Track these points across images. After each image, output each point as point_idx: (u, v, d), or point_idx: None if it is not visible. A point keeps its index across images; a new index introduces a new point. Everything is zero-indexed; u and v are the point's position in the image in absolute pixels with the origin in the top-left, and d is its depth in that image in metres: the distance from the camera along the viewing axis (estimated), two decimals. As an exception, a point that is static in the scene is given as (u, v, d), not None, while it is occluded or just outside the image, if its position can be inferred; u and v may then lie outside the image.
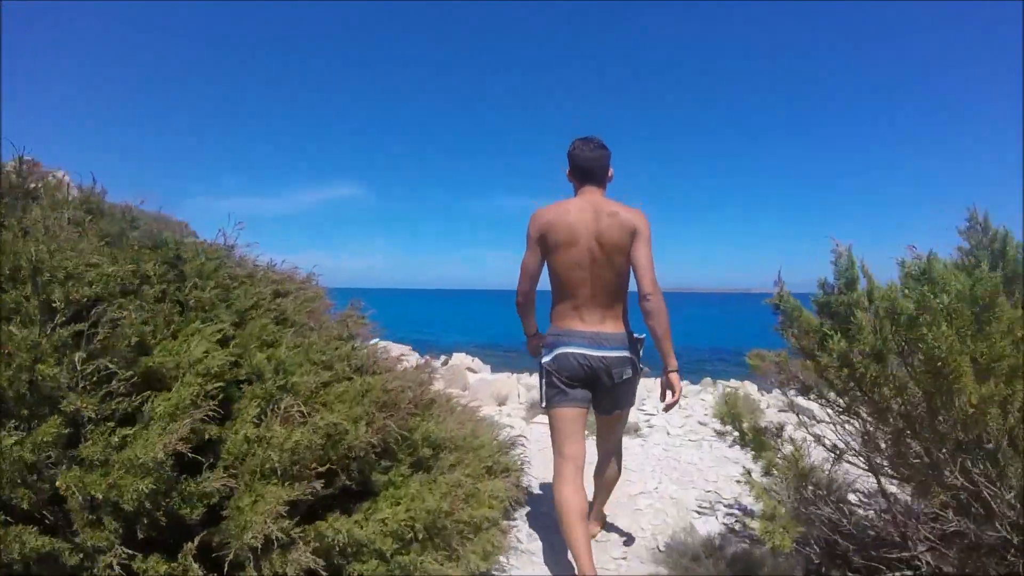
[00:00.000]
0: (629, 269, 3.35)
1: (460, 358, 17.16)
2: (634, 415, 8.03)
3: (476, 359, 18.72)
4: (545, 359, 3.41)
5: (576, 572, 3.19)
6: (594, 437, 4.00)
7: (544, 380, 3.45)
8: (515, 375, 14.96)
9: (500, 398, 9.40)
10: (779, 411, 8.82)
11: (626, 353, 3.38)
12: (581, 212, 3.32)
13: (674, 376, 3.35)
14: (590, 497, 3.70)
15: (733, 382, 14.82)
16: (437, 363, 9.87)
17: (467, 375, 10.15)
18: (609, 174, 3.48)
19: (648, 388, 10.31)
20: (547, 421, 3.58)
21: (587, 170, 3.43)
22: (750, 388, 13.66)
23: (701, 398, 10.64)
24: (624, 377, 3.38)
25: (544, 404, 3.48)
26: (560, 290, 3.43)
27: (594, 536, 3.90)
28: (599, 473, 3.81)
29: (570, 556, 3.32)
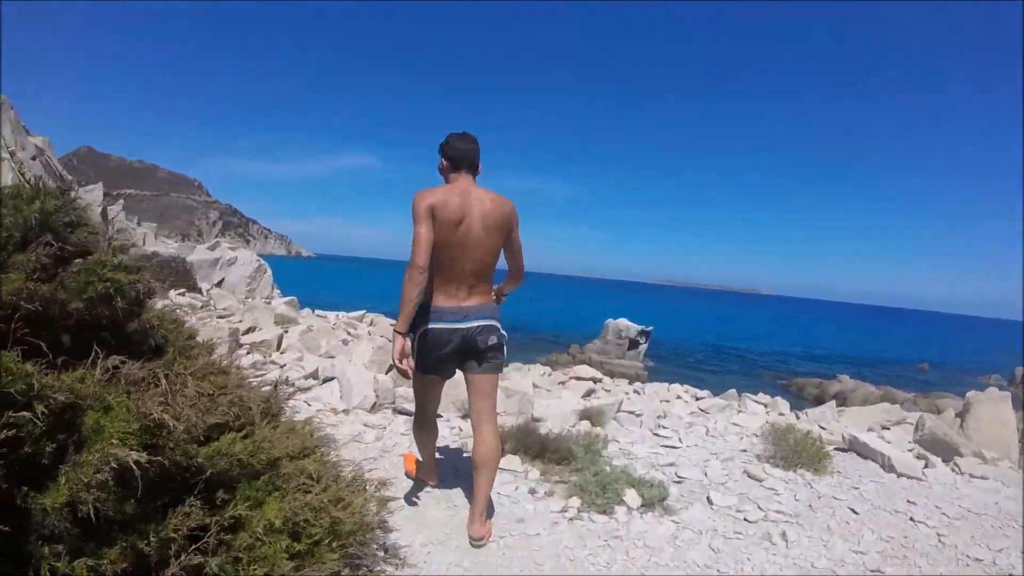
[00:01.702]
0: (499, 251, 3.84)
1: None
2: (651, 456, 6.13)
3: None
4: (420, 330, 3.73)
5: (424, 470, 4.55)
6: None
7: (416, 348, 3.73)
8: (509, 370, 13.25)
9: (466, 408, 7.29)
10: (837, 449, 7.10)
11: (492, 322, 3.85)
12: (464, 195, 3.67)
13: (501, 298, 4.15)
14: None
15: (762, 396, 13.13)
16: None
17: None
18: (479, 166, 3.82)
19: (665, 409, 8.67)
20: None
21: (462, 160, 3.78)
22: (782, 405, 12.03)
23: (734, 422, 8.96)
24: (490, 343, 3.83)
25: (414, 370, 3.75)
26: (437, 266, 3.63)
27: (484, 538, 3.93)
28: (477, 449, 3.94)
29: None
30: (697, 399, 12.84)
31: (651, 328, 35.00)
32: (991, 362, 56.09)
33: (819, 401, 29.22)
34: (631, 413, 8.50)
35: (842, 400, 28.98)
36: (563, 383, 12.71)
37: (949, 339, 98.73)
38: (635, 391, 12.52)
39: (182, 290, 15.70)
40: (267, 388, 3.77)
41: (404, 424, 6.49)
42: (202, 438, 2.63)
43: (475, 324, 3.78)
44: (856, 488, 6.03)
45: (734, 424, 9.32)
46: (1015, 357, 51.65)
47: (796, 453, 6.65)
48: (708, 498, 5.23)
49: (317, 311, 19.99)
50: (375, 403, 7.19)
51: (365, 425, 6.37)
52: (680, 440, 7.47)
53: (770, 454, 6.82)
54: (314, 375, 8.15)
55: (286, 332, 12.35)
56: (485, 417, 4.01)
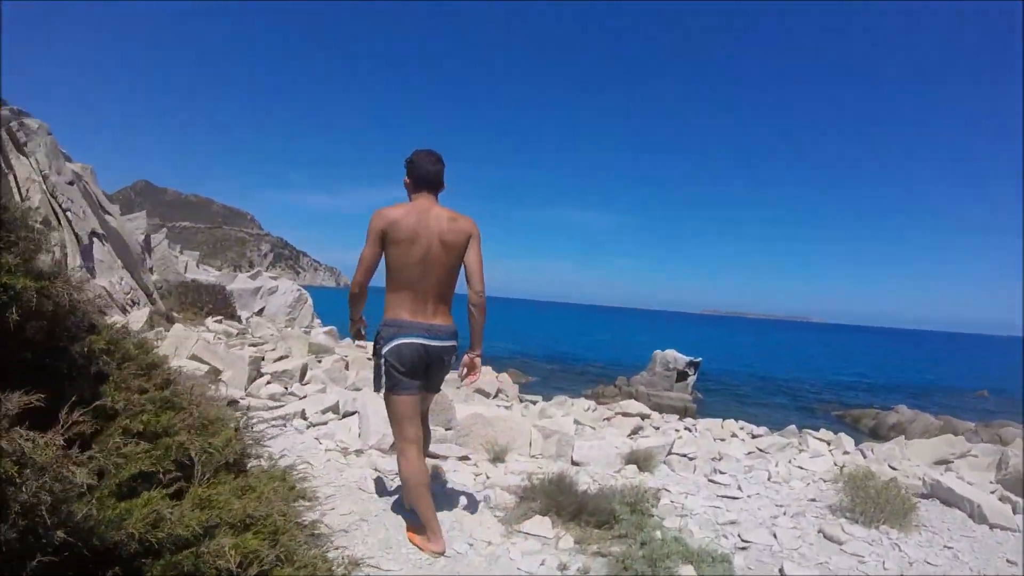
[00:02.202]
0: (459, 268, 3.88)
1: (483, 374, 14.74)
2: (709, 511, 5.28)
3: (504, 375, 16.54)
4: (385, 349, 3.75)
5: (428, 538, 3.86)
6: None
7: (384, 369, 3.76)
8: (541, 405, 12.36)
9: (497, 450, 6.40)
10: (916, 495, 6.12)
11: (454, 343, 3.96)
12: (423, 214, 3.73)
13: (477, 359, 4.07)
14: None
15: (824, 432, 12.07)
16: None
17: (454, 409, 7.39)
18: (442, 186, 3.91)
19: (720, 450, 7.74)
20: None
21: (427, 179, 3.83)
22: (847, 443, 10.98)
23: (799, 465, 8.04)
24: (452, 364, 4.00)
25: (383, 391, 3.83)
26: (397, 284, 3.75)
27: (438, 554, 3.85)
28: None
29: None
30: (754, 436, 11.88)
31: (700, 359, 33.92)
32: None
33: (875, 433, 27.92)
34: (683, 456, 7.57)
35: (900, 431, 27.66)
36: (608, 419, 11.87)
37: (1008, 363, 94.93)
38: (686, 428, 11.61)
39: (219, 317, 15.26)
40: (240, 424, 3.27)
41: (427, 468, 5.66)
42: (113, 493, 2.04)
43: (445, 344, 3.86)
44: (949, 548, 5.11)
45: (799, 467, 8.36)
46: None
47: (878, 506, 5.70)
48: (782, 571, 4.28)
49: (358, 342, 19.60)
50: (393, 443, 6.42)
51: (376, 469, 5.53)
52: (740, 488, 6.52)
53: (846, 506, 5.89)
54: (334, 409, 7.40)
55: (319, 362, 11.95)
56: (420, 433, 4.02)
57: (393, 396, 3.84)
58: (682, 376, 32.69)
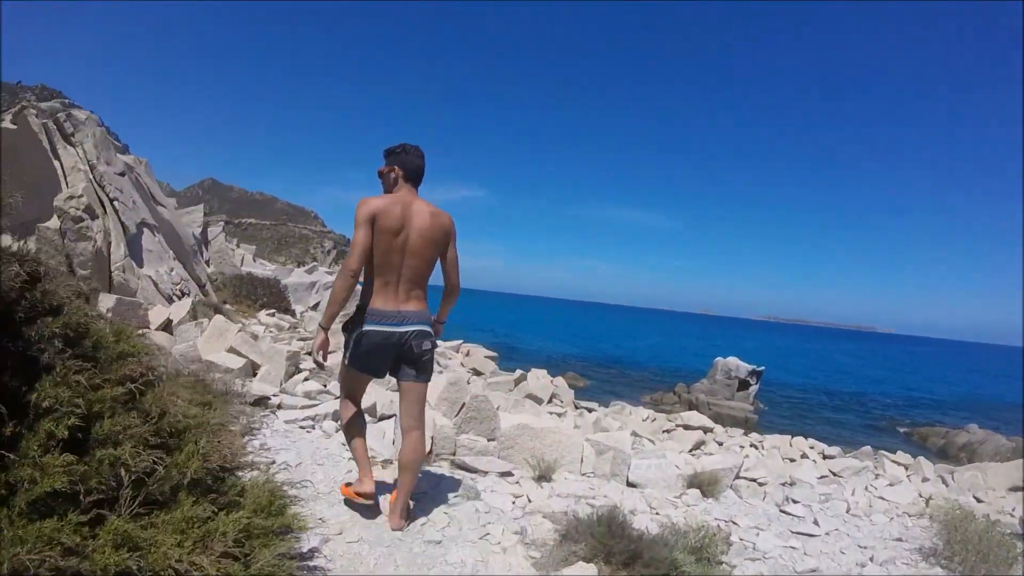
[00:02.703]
0: (435, 262, 3.97)
1: (536, 378, 13.94)
2: (784, 555, 4.48)
3: (560, 379, 15.86)
4: (355, 333, 3.82)
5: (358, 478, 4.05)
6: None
7: (351, 345, 3.86)
8: (597, 414, 11.58)
9: (544, 467, 5.59)
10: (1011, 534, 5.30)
11: (426, 328, 3.91)
12: (407, 206, 3.81)
13: (439, 326, 4.16)
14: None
15: (901, 455, 11.15)
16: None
17: (499, 418, 6.66)
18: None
19: (791, 473, 6.95)
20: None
21: (416, 173, 3.96)
22: (926, 468, 10.07)
23: (880, 495, 7.24)
24: (424, 348, 3.89)
25: (346, 361, 3.95)
26: (375, 272, 3.78)
27: (401, 529, 3.94)
28: (403, 451, 3.99)
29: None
30: (826, 457, 11.08)
31: (763, 368, 32.80)
32: None
33: (944, 453, 26.58)
34: (752, 481, 6.78)
35: (970, 453, 26.44)
36: (669, 432, 11.12)
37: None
38: (752, 445, 10.80)
39: (272, 311, 14.95)
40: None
41: (458, 487, 4.94)
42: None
43: (411, 328, 3.84)
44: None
45: (879, 498, 7.54)
46: None
47: (979, 554, 4.89)
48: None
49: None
50: (428, 452, 5.78)
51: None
52: (816, 522, 5.75)
53: (940, 551, 5.09)
54: (370, 411, 6.81)
55: None
56: (415, 424, 4.04)
57: (349, 368, 3.99)
58: (744, 385, 31.65)
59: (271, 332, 11.85)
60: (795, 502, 6.49)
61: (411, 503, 4.16)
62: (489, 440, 6.15)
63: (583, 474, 5.99)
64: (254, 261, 21.48)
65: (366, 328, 3.78)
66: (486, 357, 17.62)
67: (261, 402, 6.63)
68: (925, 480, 10.10)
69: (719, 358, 32.93)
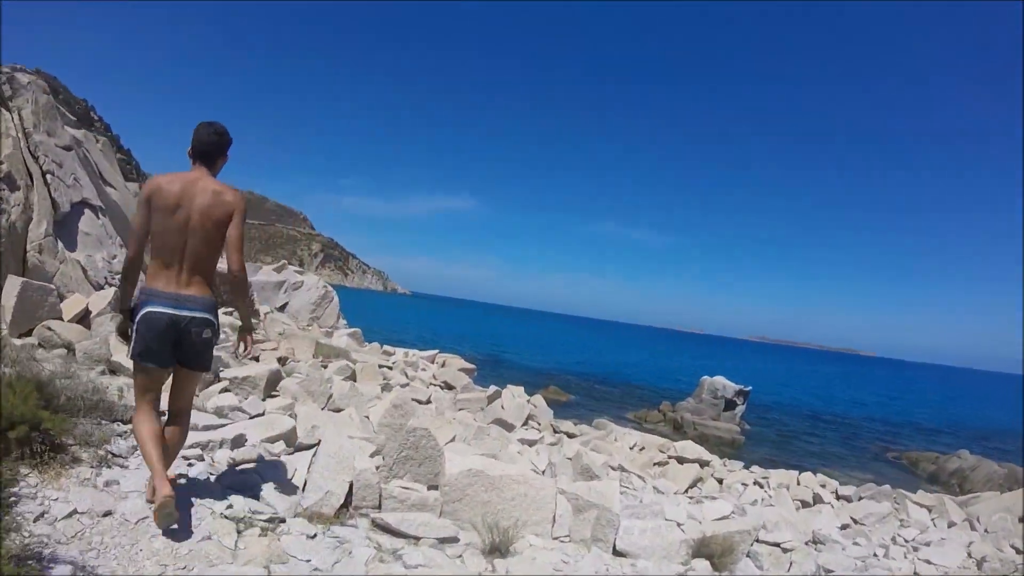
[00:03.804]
0: (222, 243, 3.60)
1: (512, 396, 12.27)
2: None
3: (538, 397, 14.25)
4: (138, 316, 3.49)
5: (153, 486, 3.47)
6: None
7: (135, 335, 3.50)
8: (579, 444, 9.97)
9: (501, 532, 3.98)
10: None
11: (207, 315, 3.58)
12: (188, 185, 3.51)
13: (247, 337, 3.89)
14: None
15: (922, 495, 9.72)
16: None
17: (443, 457, 4.79)
18: (222, 160, 3.76)
19: (811, 526, 5.40)
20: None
21: (200, 150, 3.65)
22: (952, 511, 8.65)
23: (923, 557, 5.69)
24: (204, 336, 3.58)
25: (131, 356, 3.55)
26: (155, 251, 3.54)
27: (167, 500, 3.34)
28: (168, 430, 3.71)
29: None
30: (840, 498, 9.60)
31: (749, 388, 31.58)
32: None
33: (935, 479, 25.39)
34: (775, 546, 5.17)
35: (961, 479, 25.28)
36: (661, 464, 9.54)
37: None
38: (756, 483, 9.25)
39: (230, 309, 13.37)
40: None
41: (367, 563, 3.29)
42: None
43: (190, 314, 3.51)
44: None
45: (925, 561, 6.03)
46: None
47: None
48: None
49: (386, 346, 17.78)
50: (343, 505, 4.14)
51: (279, 563, 3.25)
52: None
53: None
54: (287, 438, 5.20)
55: (324, 367, 10.15)
56: (181, 412, 3.76)
57: (137, 363, 3.56)
58: (730, 405, 30.38)
59: (224, 332, 10.37)
60: (828, 572, 4.91)
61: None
62: (430, 488, 4.50)
63: (555, 538, 4.34)
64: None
65: (144, 311, 3.46)
66: (461, 370, 16.01)
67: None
68: (951, 525, 8.79)
69: (706, 377, 31.69)
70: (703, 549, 4.51)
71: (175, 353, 3.58)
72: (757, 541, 5.16)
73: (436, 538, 3.84)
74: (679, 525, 4.83)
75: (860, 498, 9.54)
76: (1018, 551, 7.41)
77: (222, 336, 10.58)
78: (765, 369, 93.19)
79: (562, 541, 4.35)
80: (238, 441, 4.94)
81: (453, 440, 5.89)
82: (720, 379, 31.10)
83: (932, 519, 8.92)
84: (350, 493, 4.28)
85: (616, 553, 4.38)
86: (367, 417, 7.01)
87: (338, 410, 7.07)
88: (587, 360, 59.87)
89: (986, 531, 8.69)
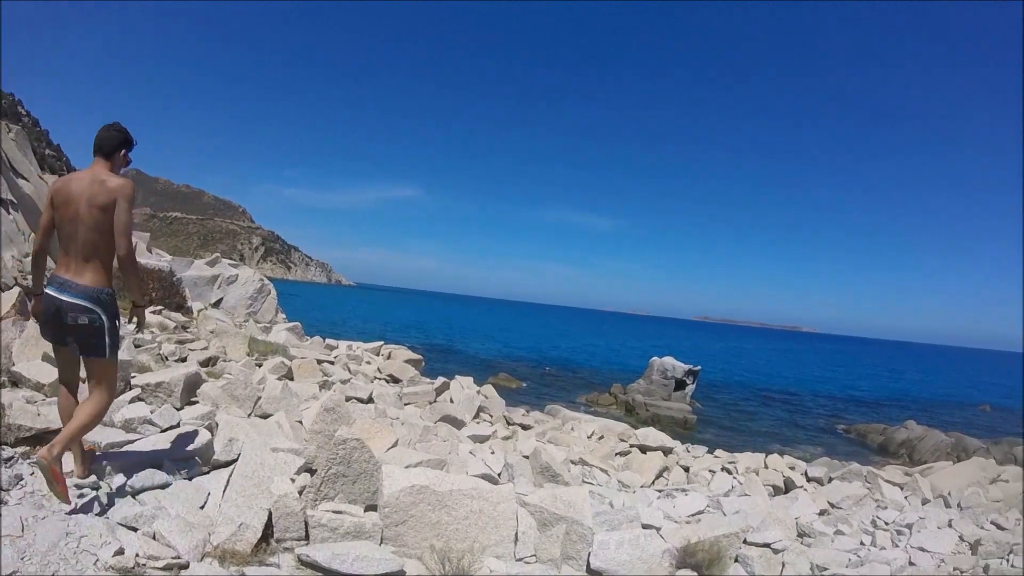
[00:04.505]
0: (106, 228, 3.67)
1: (461, 387, 11.54)
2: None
3: (488, 387, 13.53)
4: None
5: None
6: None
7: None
8: (534, 439, 9.37)
9: (452, 561, 3.42)
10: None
11: (84, 302, 3.63)
12: (80, 180, 3.72)
13: (139, 312, 3.97)
14: None
15: (891, 471, 9.39)
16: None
17: (381, 473, 3.97)
18: (120, 157, 3.89)
19: (789, 512, 4.87)
20: None
21: (97, 146, 3.83)
22: (924, 486, 8.30)
23: (916, 544, 5.26)
24: (79, 322, 3.62)
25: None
26: (60, 243, 3.73)
27: (40, 459, 3.45)
28: (76, 411, 3.76)
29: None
30: (810, 479, 9.14)
31: (699, 367, 31.45)
32: None
33: (885, 450, 25.56)
34: (765, 547, 4.58)
35: (911, 449, 25.49)
36: (623, 455, 8.96)
37: (1008, 378, 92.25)
38: (724, 469, 8.74)
39: (160, 308, 12.35)
40: None
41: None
42: None
43: (67, 299, 3.60)
44: None
45: (919, 549, 5.54)
46: None
47: None
48: None
49: (328, 340, 16.86)
50: (262, 539, 3.41)
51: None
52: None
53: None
54: (202, 455, 4.41)
55: (258, 366, 9.36)
56: (89, 397, 3.73)
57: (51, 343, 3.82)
58: (680, 385, 30.20)
59: (152, 333, 9.53)
60: (822, 570, 4.36)
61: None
62: (368, 509, 3.78)
63: (520, 559, 3.65)
64: (149, 251, 18.69)
65: (44, 292, 3.69)
66: (408, 361, 15.19)
67: (40, 439, 4.19)
68: (926, 502, 8.44)
69: (655, 358, 31.53)
70: (688, 559, 3.89)
71: (65, 335, 3.70)
72: (745, 543, 4.57)
73: (377, 574, 3.12)
74: (658, 531, 4.22)
75: (831, 479, 9.12)
76: (999, 527, 7.08)
77: (147, 337, 9.71)
78: (711, 348, 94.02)
79: (527, 563, 3.67)
80: (143, 461, 4.16)
81: (396, 445, 5.13)
82: (669, 359, 30.93)
83: (905, 496, 8.57)
84: (271, 523, 3.55)
85: (591, 572, 3.72)
86: (300, 422, 6.23)
87: (266, 416, 6.25)
88: (537, 346, 59.57)
89: (960, 506, 8.35)
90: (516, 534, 3.73)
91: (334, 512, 3.62)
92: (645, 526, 4.33)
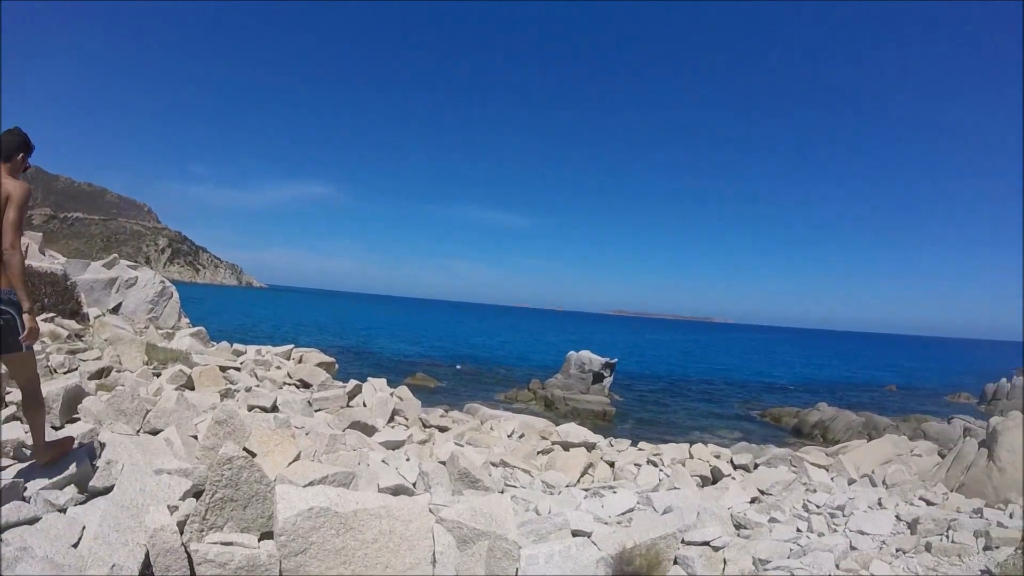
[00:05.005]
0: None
1: (374, 390, 10.96)
2: None
3: (403, 388, 12.99)
4: None
5: None
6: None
7: None
8: (452, 442, 8.98)
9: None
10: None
11: None
12: None
13: (27, 318, 3.82)
14: None
15: (816, 454, 9.36)
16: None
17: (274, 495, 3.44)
18: (18, 160, 3.97)
19: (722, 504, 4.62)
20: None
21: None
22: (848, 466, 8.27)
23: (856, 528, 5.13)
24: None
25: None
26: None
27: (45, 463, 3.98)
28: (26, 418, 4.14)
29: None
30: (736, 467, 8.97)
31: (615, 360, 31.67)
32: (956, 381, 54.15)
33: (799, 432, 26.22)
34: (705, 545, 4.26)
35: (823, 430, 26.32)
36: (545, 453, 8.60)
37: (908, 359, 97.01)
38: (650, 462, 8.49)
39: (52, 315, 11.41)
40: None
41: None
42: None
43: None
44: None
45: (859, 532, 5.35)
46: (983, 375, 50.13)
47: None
48: None
49: (236, 345, 15.93)
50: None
51: None
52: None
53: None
54: (78, 482, 3.84)
55: (156, 375, 8.83)
56: (24, 394, 4.02)
57: None
58: (598, 378, 30.33)
59: (42, 343, 8.79)
60: (765, 564, 4.08)
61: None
62: (264, 538, 3.27)
63: (439, 581, 3.24)
64: (42, 253, 17.41)
65: None
66: (320, 364, 14.48)
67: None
68: (851, 482, 8.42)
69: (572, 352, 31.64)
70: (626, 566, 3.52)
71: None
72: (684, 543, 4.24)
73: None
74: (590, 537, 3.82)
75: (757, 465, 8.99)
76: (928, 503, 7.06)
77: (37, 348, 8.87)
78: (627, 341, 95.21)
79: (449, 585, 3.23)
80: (12, 492, 3.56)
81: (298, 459, 4.58)
82: (586, 353, 31.06)
83: (831, 477, 8.52)
84: (149, 562, 3.01)
85: (519, 590, 3.30)
86: (195, 437, 5.60)
87: (156, 432, 5.61)
88: (455, 344, 59.16)
89: (885, 484, 8.34)
90: (434, 555, 3.27)
91: (223, 544, 3.09)
92: (575, 533, 3.95)
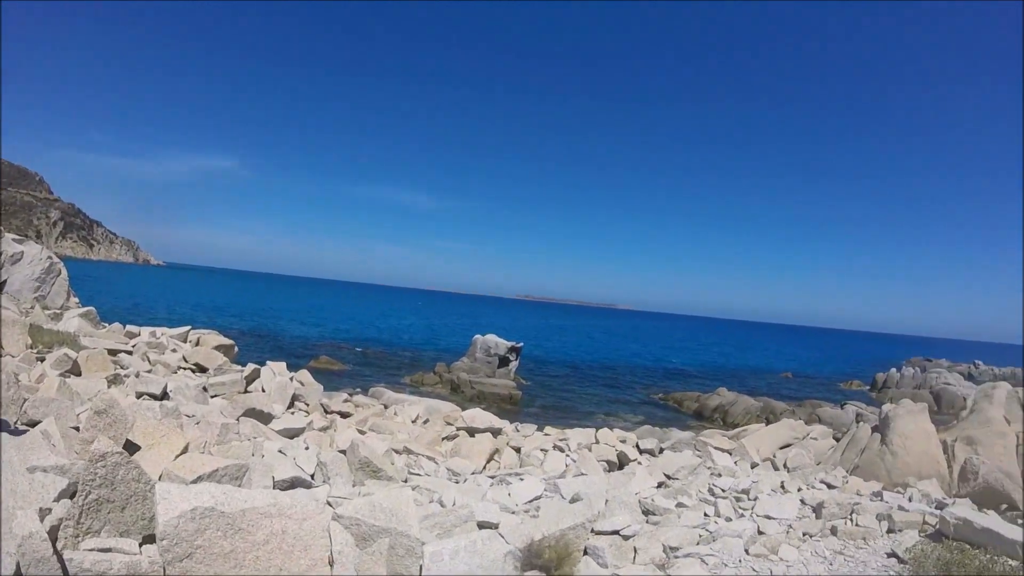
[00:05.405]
0: None
1: (273, 374, 10.57)
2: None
3: (304, 372, 12.61)
4: None
5: None
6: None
7: None
8: (353, 429, 8.71)
9: None
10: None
11: None
12: None
13: None
14: None
15: (720, 438, 9.43)
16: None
17: (154, 495, 3.11)
18: None
19: (630, 491, 4.67)
20: None
21: None
22: (751, 450, 8.37)
23: (763, 513, 5.12)
24: None
25: None
26: None
27: None
28: None
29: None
30: (642, 451, 8.98)
31: (521, 344, 31.79)
32: (848, 370, 57.00)
33: (700, 415, 26.92)
34: (614, 534, 4.14)
35: (723, 413, 27.16)
36: (451, 439, 8.38)
37: (806, 349, 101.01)
38: (556, 447, 8.37)
39: None
40: None
41: None
42: None
43: None
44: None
45: (766, 517, 5.38)
46: (875, 365, 52.89)
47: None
48: None
49: (130, 326, 15.12)
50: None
51: None
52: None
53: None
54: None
55: (40, 360, 8.23)
56: None
57: None
58: (504, 362, 30.40)
59: None
60: (675, 551, 4.00)
61: None
62: (146, 541, 2.94)
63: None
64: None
65: None
66: (218, 347, 13.91)
67: None
68: (754, 466, 8.61)
69: (477, 335, 31.70)
70: (535, 559, 3.36)
71: None
72: (594, 532, 4.11)
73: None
74: (497, 529, 3.65)
75: (662, 450, 9.05)
76: (829, 486, 7.24)
77: None
78: (532, 325, 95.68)
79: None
80: None
81: (186, 451, 4.24)
82: (492, 337, 31.10)
83: (735, 461, 8.65)
84: (21, 573, 2.67)
85: (422, 589, 3.09)
86: (76, 429, 5.15)
87: (34, 423, 5.13)
88: (360, 327, 58.22)
89: (787, 467, 8.52)
90: (331, 555, 3.03)
91: (100, 551, 2.76)
92: (481, 524, 3.77)
